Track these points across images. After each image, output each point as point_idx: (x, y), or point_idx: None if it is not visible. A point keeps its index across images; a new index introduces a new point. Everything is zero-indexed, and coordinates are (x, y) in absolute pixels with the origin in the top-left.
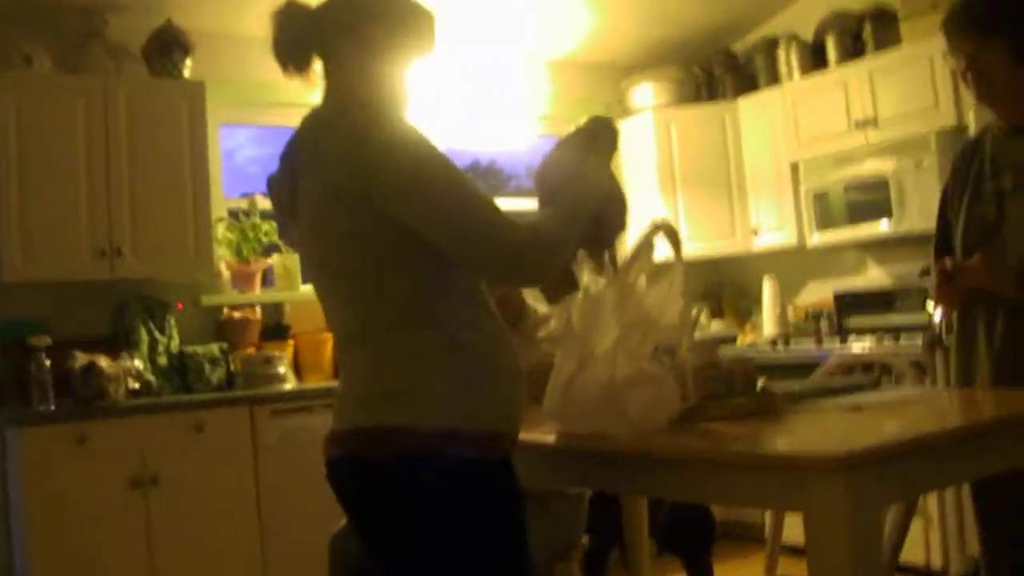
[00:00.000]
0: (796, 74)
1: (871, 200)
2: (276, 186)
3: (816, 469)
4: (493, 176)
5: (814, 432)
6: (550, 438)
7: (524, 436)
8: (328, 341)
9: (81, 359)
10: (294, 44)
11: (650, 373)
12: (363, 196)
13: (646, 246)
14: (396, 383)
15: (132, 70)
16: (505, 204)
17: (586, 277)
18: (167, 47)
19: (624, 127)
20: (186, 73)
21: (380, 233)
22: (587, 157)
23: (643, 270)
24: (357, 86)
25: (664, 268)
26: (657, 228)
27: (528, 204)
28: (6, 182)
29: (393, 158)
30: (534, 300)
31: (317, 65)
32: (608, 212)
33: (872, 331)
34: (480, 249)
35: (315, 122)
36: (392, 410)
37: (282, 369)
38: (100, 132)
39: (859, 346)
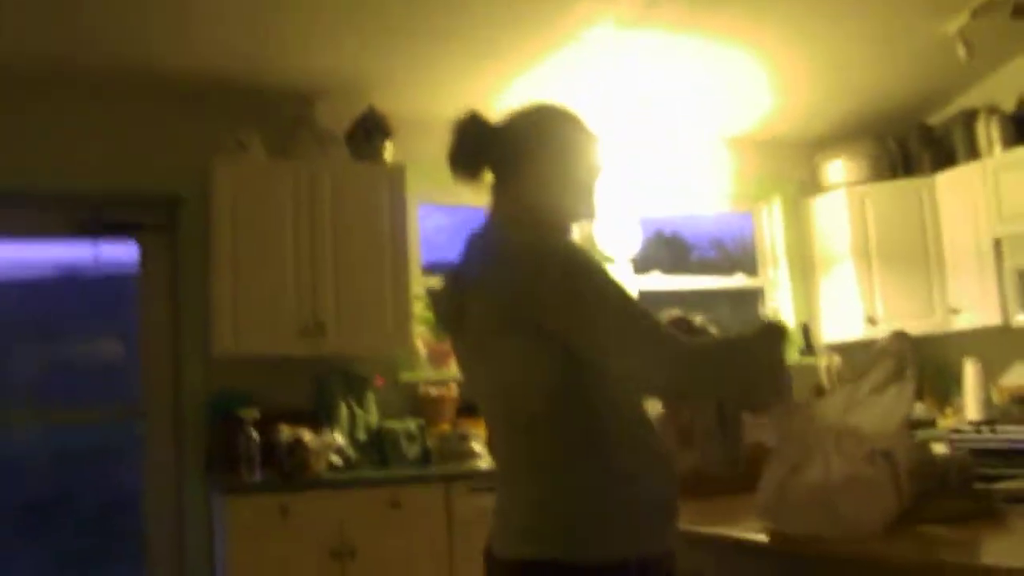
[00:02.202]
0: (997, 147)
1: None
2: (441, 302)
3: None
4: (677, 248)
5: None
6: (762, 537)
7: (733, 531)
8: None
9: (287, 433)
10: (470, 156)
11: (865, 475)
12: (527, 319)
13: (883, 356)
14: (563, 517)
15: (337, 154)
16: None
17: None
18: (369, 131)
19: (818, 204)
20: (386, 155)
21: (541, 354)
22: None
23: (876, 379)
24: (525, 206)
25: (894, 379)
26: (896, 338)
27: (707, 280)
28: (221, 260)
29: (552, 276)
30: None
31: (487, 175)
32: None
33: None
34: (649, 359)
35: (483, 244)
36: (545, 544)
37: (476, 446)
38: (307, 214)
39: None
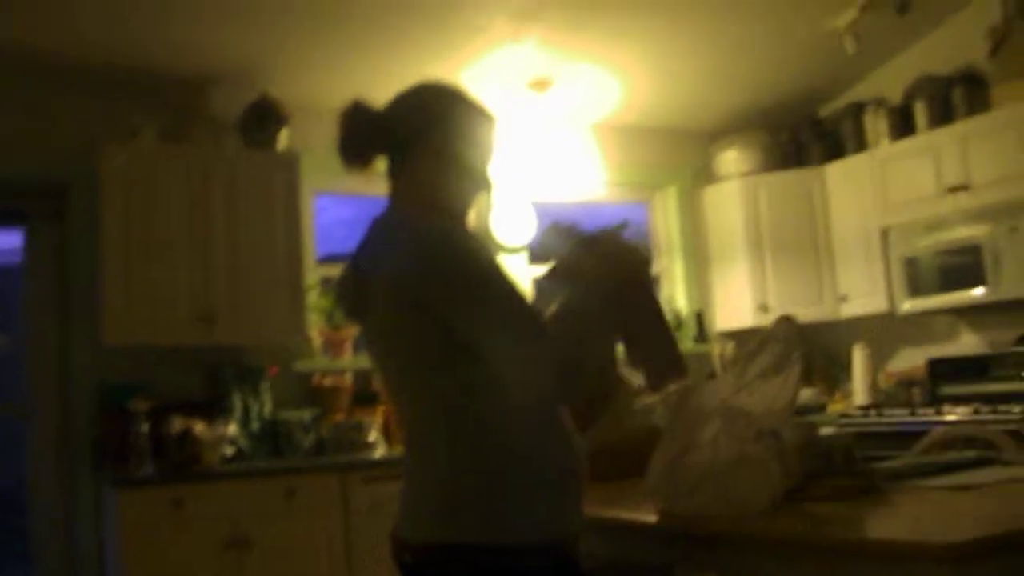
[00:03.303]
0: (884, 139)
1: (964, 265)
2: (344, 286)
3: (925, 558)
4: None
5: (921, 515)
6: (652, 517)
7: (625, 513)
8: None
9: (177, 425)
10: (359, 145)
11: (753, 455)
12: (419, 301)
13: (770, 340)
14: (461, 498)
15: (230, 141)
16: None
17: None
18: (262, 119)
19: (711, 193)
20: (281, 143)
21: (433, 335)
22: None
23: (764, 363)
24: (420, 190)
25: (781, 363)
26: (783, 323)
27: None
28: (111, 248)
29: (444, 264)
30: (628, 371)
31: (379, 162)
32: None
33: (967, 400)
34: (520, 360)
35: (381, 229)
36: (460, 527)
37: (372, 436)
38: (199, 202)
39: (954, 415)
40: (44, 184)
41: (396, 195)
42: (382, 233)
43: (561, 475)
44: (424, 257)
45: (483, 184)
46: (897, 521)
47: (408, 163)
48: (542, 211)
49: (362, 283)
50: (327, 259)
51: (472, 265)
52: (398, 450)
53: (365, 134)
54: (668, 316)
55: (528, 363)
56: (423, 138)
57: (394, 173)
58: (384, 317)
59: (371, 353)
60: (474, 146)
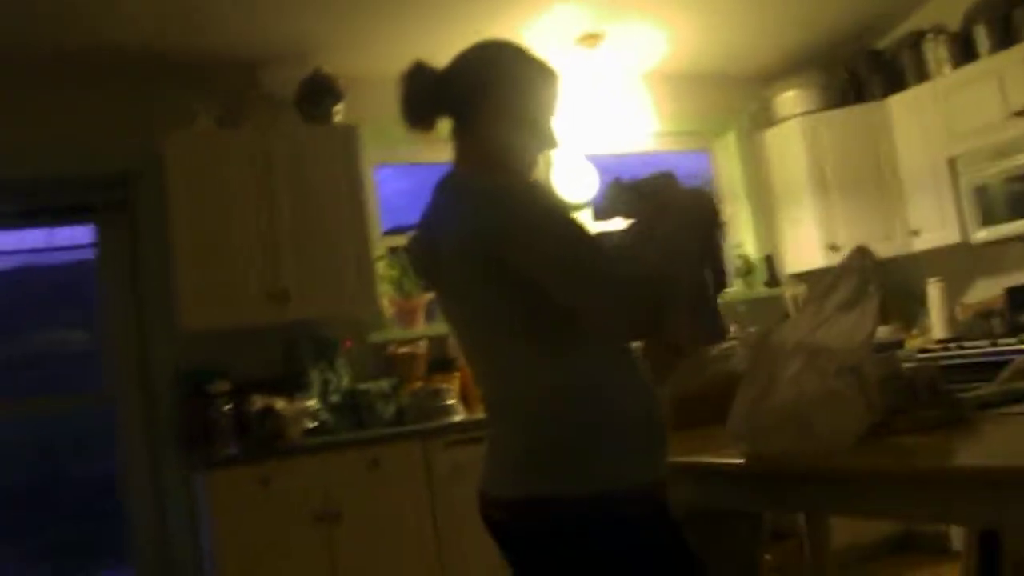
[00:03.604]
0: (946, 67)
1: None
2: (417, 251)
3: (1015, 484)
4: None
5: (1010, 441)
6: (738, 460)
7: (710, 458)
8: None
9: (258, 403)
10: (422, 106)
11: (836, 390)
12: (493, 256)
13: (846, 272)
14: (549, 451)
15: (287, 119)
16: None
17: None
18: (318, 94)
19: (771, 136)
20: (338, 117)
21: (514, 290)
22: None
23: (841, 296)
24: (484, 148)
25: (858, 295)
26: (858, 254)
27: None
28: (180, 235)
29: (518, 216)
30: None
31: (441, 126)
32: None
33: None
34: (600, 303)
35: (448, 190)
36: (549, 479)
37: (450, 401)
38: (263, 182)
39: None
40: (109, 176)
41: (460, 156)
42: (450, 194)
43: (646, 423)
44: (503, 212)
45: (548, 141)
46: (986, 448)
47: (470, 121)
48: (600, 164)
49: (434, 246)
50: (391, 231)
51: (555, 215)
52: (478, 414)
53: (427, 94)
54: (736, 262)
55: (619, 298)
56: (486, 96)
57: (458, 134)
58: (460, 277)
59: (447, 316)
60: (537, 102)
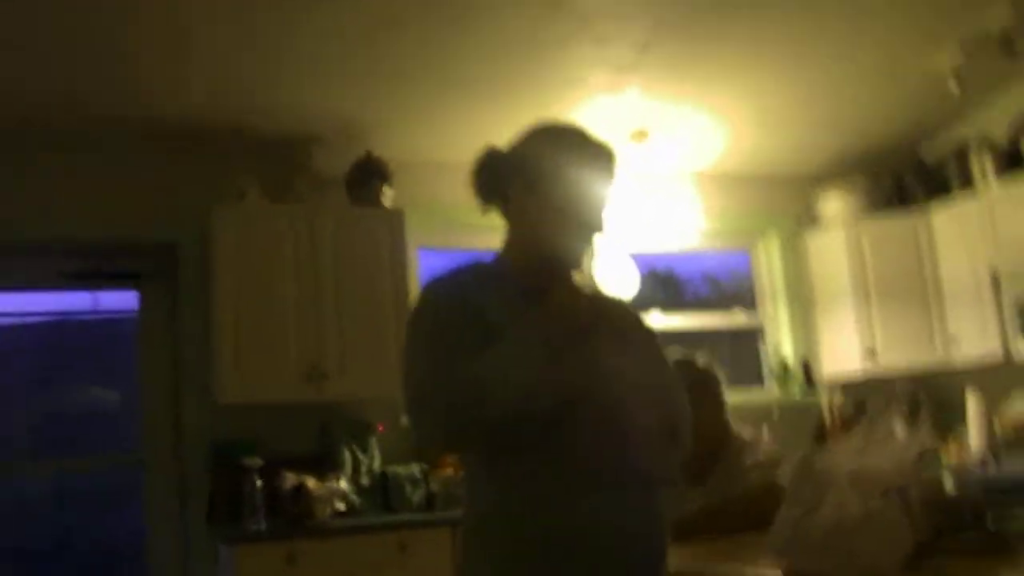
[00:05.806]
0: (991, 179)
1: None
2: None
3: None
4: (672, 285)
5: None
6: (776, 573)
7: (749, 569)
8: None
9: (290, 480)
10: (493, 182)
11: (881, 514)
12: None
13: (896, 399)
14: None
15: (335, 199)
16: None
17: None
18: (367, 176)
19: (814, 239)
20: (385, 200)
21: None
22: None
23: (888, 422)
24: (515, 234)
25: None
26: (910, 382)
27: (705, 318)
28: (222, 308)
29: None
30: (737, 423)
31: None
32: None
33: None
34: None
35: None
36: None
37: None
38: (307, 259)
39: None
40: (156, 246)
41: (505, 237)
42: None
43: (542, 538)
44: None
45: (592, 230)
46: None
47: (516, 209)
48: (639, 260)
49: None
50: None
51: (421, 322)
52: None
53: (485, 175)
54: (773, 366)
55: (420, 407)
56: (534, 187)
57: (505, 217)
58: None
59: None
60: (584, 189)
